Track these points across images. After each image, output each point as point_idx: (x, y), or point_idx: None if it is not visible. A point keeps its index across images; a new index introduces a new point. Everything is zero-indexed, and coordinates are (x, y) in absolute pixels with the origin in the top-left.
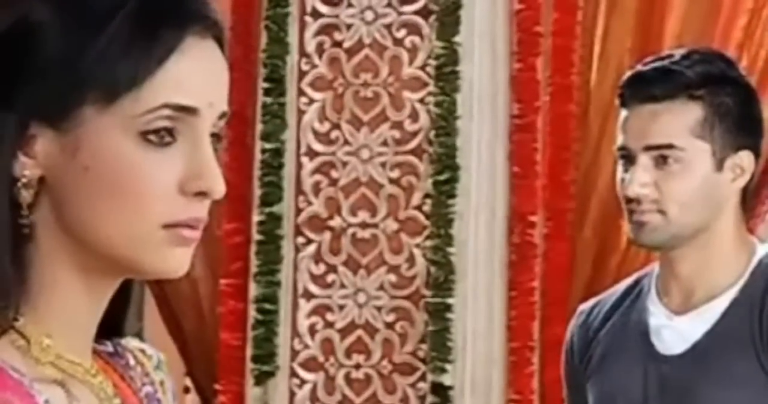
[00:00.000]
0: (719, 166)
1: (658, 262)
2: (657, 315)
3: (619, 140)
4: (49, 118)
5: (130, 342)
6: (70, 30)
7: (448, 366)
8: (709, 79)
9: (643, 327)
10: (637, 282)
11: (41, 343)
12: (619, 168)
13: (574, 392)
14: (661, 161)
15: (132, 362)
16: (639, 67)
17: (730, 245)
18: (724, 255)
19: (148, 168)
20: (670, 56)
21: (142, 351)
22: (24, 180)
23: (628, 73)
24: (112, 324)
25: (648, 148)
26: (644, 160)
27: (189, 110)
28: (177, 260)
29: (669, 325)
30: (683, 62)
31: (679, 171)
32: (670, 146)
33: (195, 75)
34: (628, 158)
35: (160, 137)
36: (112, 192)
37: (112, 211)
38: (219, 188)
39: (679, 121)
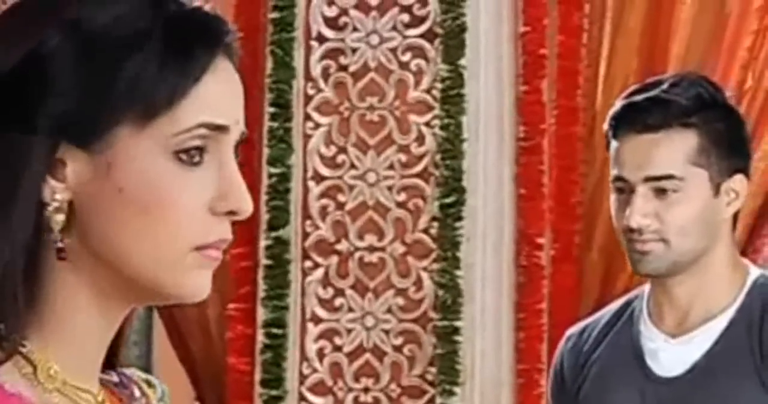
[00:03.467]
0: (716, 191)
1: (648, 285)
2: (651, 338)
3: (614, 171)
4: (81, 139)
5: (135, 373)
6: (96, 53)
7: (456, 389)
8: (702, 104)
9: (638, 350)
10: (627, 304)
11: (48, 370)
12: (613, 198)
13: None
14: (661, 191)
15: (137, 393)
16: (629, 97)
17: (724, 268)
18: (719, 278)
19: (181, 187)
20: (658, 84)
21: (147, 382)
22: (56, 204)
23: (619, 104)
24: (108, 355)
25: (647, 179)
26: (643, 190)
27: (221, 128)
28: (201, 283)
29: (665, 348)
30: (674, 90)
31: (679, 199)
32: (670, 177)
33: (224, 93)
34: (624, 189)
35: (190, 156)
36: (146, 212)
37: (145, 232)
38: (247, 207)
39: (677, 150)
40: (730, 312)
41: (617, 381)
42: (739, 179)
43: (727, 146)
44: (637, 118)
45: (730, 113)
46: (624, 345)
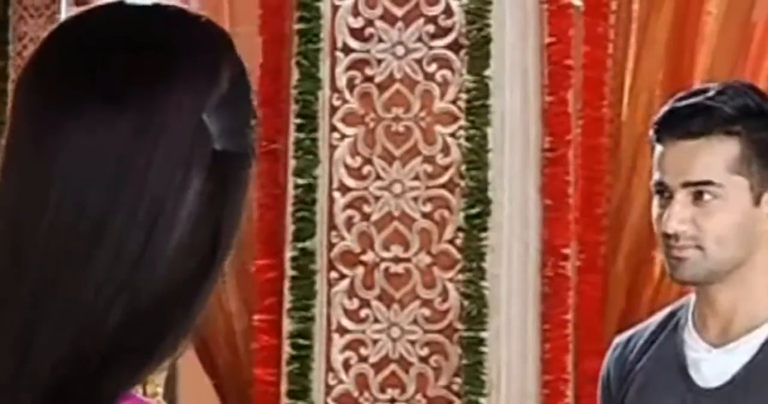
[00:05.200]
0: (757, 200)
1: (693, 294)
2: (695, 348)
3: (656, 176)
4: None
5: None
6: None
7: (482, 400)
8: (746, 113)
9: (681, 360)
10: (672, 314)
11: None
12: (655, 203)
13: None
14: (699, 197)
15: None
16: (674, 103)
17: (767, 277)
18: (762, 287)
19: None
20: (705, 91)
21: None
22: None
23: (664, 109)
24: None
25: (686, 185)
26: (682, 196)
27: None
28: None
29: (707, 358)
30: (719, 98)
31: (717, 207)
32: (708, 182)
33: None
34: (665, 194)
35: None
36: None
37: None
38: None
39: (717, 157)
40: None
41: (660, 391)
42: None
43: None
44: (679, 125)
45: None
46: (668, 354)
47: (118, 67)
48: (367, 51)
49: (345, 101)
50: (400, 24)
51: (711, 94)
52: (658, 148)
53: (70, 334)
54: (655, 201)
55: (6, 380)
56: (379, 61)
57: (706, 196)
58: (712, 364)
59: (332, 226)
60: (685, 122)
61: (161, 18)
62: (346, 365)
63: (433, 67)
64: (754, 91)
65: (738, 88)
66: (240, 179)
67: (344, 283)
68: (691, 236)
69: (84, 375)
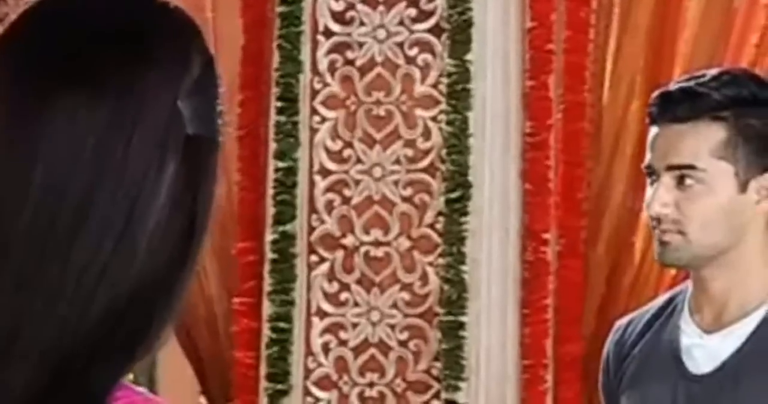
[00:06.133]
0: (743, 187)
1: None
2: (688, 334)
3: (646, 158)
4: None
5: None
6: None
7: (461, 384)
8: (737, 101)
9: (675, 346)
10: (671, 300)
11: None
12: (648, 186)
13: None
14: (682, 181)
15: None
16: (668, 86)
17: (759, 263)
18: (754, 273)
19: None
20: (701, 76)
21: None
22: None
23: (657, 92)
24: None
25: (670, 168)
26: (666, 179)
27: None
28: None
29: (699, 344)
30: (711, 84)
31: (701, 192)
32: (691, 167)
33: None
34: (653, 177)
35: None
36: None
37: None
38: None
39: (702, 141)
40: (762, 311)
41: (654, 376)
42: None
43: (762, 143)
44: (668, 108)
45: None
46: (663, 340)
47: (92, 53)
48: (349, 34)
49: (326, 84)
50: (381, 7)
51: (704, 79)
52: (652, 130)
53: (54, 324)
54: (648, 183)
55: None
56: (361, 45)
57: (689, 181)
58: (704, 350)
59: (313, 210)
60: (673, 106)
61: (133, 4)
62: (326, 348)
63: (414, 51)
64: (754, 79)
65: (736, 75)
66: (211, 163)
67: (324, 267)
68: (673, 220)
69: (73, 368)
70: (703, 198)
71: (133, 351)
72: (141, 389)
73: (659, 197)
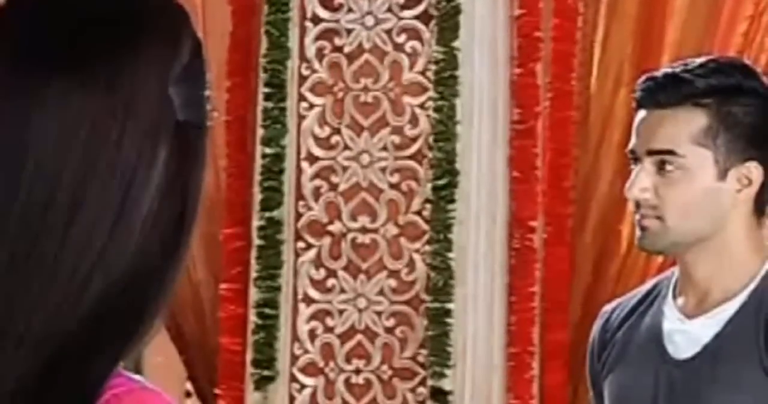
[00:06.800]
0: (722, 175)
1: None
2: (671, 319)
3: (631, 143)
4: None
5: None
6: None
7: (447, 371)
8: (720, 89)
9: (657, 331)
10: (656, 286)
11: None
12: (632, 170)
13: (596, 392)
14: (662, 167)
15: None
16: (654, 72)
17: (743, 250)
18: (737, 260)
19: None
20: (689, 64)
21: None
22: None
23: (643, 77)
24: None
25: (650, 153)
26: (647, 164)
27: None
28: None
29: (681, 329)
30: (697, 71)
31: (679, 178)
32: (670, 152)
33: None
34: (636, 162)
35: None
36: None
37: None
38: None
39: (682, 127)
40: (743, 296)
41: (636, 361)
42: (754, 166)
43: (744, 132)
44: (652, 93)
45: (758, 101)
46: (646, 325)
47: (83, 38)
48: (337, 21)
49: (314, 71)
50: None
51: (691, 66)
52: (638, 114)
53: (50, 311)
54: (632, 168)
55: None
56: (349, 31)
57: (669, 167)
58: (685, 335)
59: (300, 196)
60: (656, 91)
61: None
62: (312, 335)
63: (402, 38)
64: (741, 68)
65: (723, 64)
66: (200, 149)
67: (311, 253)
68: (651, 206)
69: (68, 357)
70: (682, 184)
71: (127, 339)
72: (137, 377)
73: (639, 182)
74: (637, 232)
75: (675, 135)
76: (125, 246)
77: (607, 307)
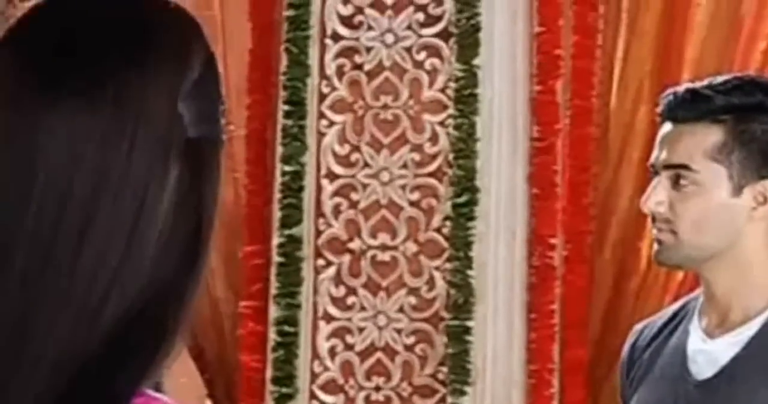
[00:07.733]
0: (737, 191)
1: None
2: (694, 339)
3: (652, 156)
4: None
5: None
6: None
7: (467, 389)
8: (740, 107)
9: (682, 351)
10: (684, 306)
11: None
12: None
13: None
14: (677, 181)
15: None
16: (677, 87)
17: (763, 269)
18: (757, 277)
19: None
20: (712, 80)
21: None
22: None
23: (665, 92)
24: None
25: (667, 167)
26: (664, 178)
27: None
28: None
29: (703, 349)
30: (718, 87)
31: (693, 192)
32: (685, 167)
33: None
34: (655, 175)
35: None
36: None
37: None
38: None
39: (697, 143)
40: (764, 316)
41: (659, 380)
42: None
43: (759, 149)
44: (672, 108)
45: None
46: (673, 345)
47: (92, 52)
48: (357, 39)
49: (334, 88)
50: (389, 12)
51: (713, 83)
52: (662, 128)
53: (66, 330)
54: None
55: (4, 379)
56: (369, 49)
57: (683, 181)
58: (706, 355)
59: (320, 213)
60: (675, 107)
61: (132, 5)
62: (332, 352)
63: (422, 56)
64: (763, 87)
65: (746, 82)
66: (214, 164)
67: (331, 271)
68: (665, 219)
69: (91, 375)
70: (695, 198)
71: (149, 358)
72: (157, 395)
73: (655, 195)
74: (654, 246)
75: (690, 150)
76: (141, 263)
77: (638, 326)
